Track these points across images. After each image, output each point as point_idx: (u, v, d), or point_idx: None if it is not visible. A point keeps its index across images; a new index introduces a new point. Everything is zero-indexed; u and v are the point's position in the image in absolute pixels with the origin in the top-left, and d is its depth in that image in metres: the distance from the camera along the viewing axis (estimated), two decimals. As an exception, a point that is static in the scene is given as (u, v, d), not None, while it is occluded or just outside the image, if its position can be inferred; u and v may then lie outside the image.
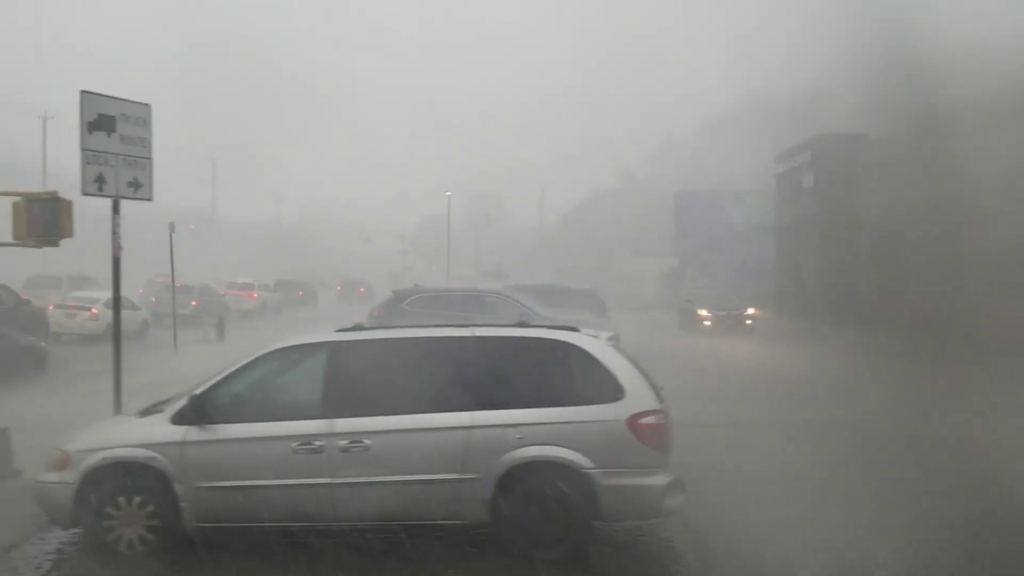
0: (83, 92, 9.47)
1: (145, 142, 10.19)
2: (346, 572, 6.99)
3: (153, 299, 38.99)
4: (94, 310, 29.21)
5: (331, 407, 7.14)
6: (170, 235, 26.73)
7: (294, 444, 7.03)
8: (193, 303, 39.66)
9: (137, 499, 7.10)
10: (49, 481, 7.32)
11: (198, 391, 7.33)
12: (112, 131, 9.75)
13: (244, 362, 7.47)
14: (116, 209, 9.93)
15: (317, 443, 7.01)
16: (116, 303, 10.46)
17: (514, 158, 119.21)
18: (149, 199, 10.30)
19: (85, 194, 9.64)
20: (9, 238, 10.17)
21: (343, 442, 7.00)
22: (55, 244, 10.13)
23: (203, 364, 22.80)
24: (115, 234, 10.00)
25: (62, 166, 63.05)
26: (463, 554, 7.10)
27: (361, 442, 6.99)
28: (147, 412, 7.75)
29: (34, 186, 54.68)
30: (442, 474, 6.97)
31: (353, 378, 7.28)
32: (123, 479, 7.12)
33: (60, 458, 7.31)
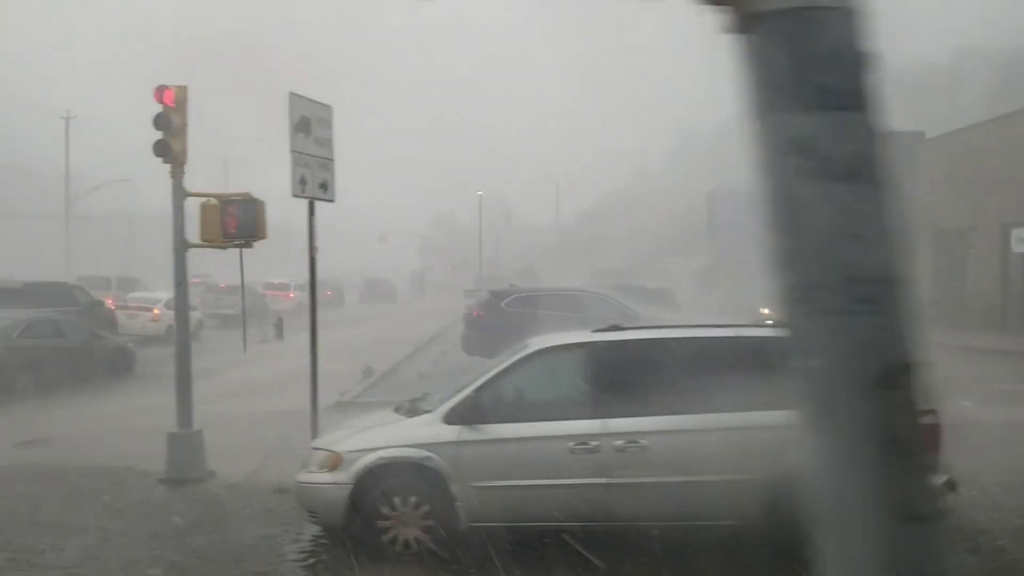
0: (291, 94, 9.48)
1: (330, 143, 10.21)
2: (618, 572, 7.05)
3: (198, 300, 38.92)
4: (155, 311, 29.29)
5: (604, 407, 7.18)
6: (239, 235, 26.67)
7: (571, 444, 7.08)
8: (238, 303, 39.69)
9: (412, 499, 7.14)
10: (320, 482, 7.35)
11: (470, 391, 7.37)
12: (308, 133, 9.78)
13: (509, 362, 7.52)
14: (312, 211, 9.94)
15: (593, 443, 7.06)
16: (313, 301, 10.44)
17: (524, 156, 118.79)
18: (332, 200, 10.33)
19: (295, 196, 9.68)
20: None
21: (619, 442, 7.05)
22: (249, 246, 10.15)
23: (286, 364, 22.82)
24: (311, 235, 10.02)
25: (86, 167, 63.07)
26: (735, 554, 7.14)
27: (637, 442, 7.05)
28: (411, 411, 7.78)
29: (58, 186, 54.37)
30: (718, 475, 7.01)
31: (623, 378, 7.32)
32: (399, 479, 7.17)
33: (330, 459, 7.35)
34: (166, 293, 33.51)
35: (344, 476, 7.23)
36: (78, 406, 15.68)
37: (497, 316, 18.82)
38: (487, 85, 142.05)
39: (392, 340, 30.55)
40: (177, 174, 9.91)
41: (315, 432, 10.03)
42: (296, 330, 34.21)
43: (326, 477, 7.33)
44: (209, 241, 10.14)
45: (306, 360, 22.57)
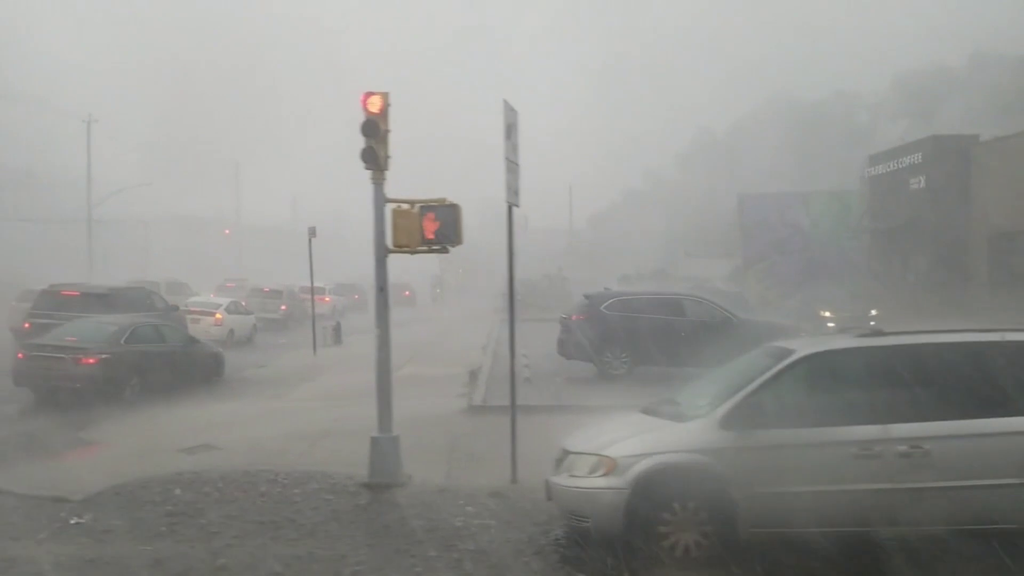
0: (505, 102, 9.52)
1: (517, 149, 10.24)
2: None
3: (243, 303, 38.93)
4: (218, 315, 29.30)
5: (883, 412, 7.24)
6: (309, 240, 26.66)
7: (853, 450, 7.12)
8: (283, 307, 39.73)
9: (692, 504, 7.19)
10: (592, 487, 7.38)
11: (744, 396, 7.41)
12: (509, 139, 9.83)
13: (778, 368, 7.54)
14: (511, 214, 9.98)
15: (876, 448, 7.11)
16: (511, 305, 10.43)
17: (533, 159, 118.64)
18: (519, 205, 10.35)
19: (508, 202, 9.72)
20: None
21: (902, 447, 7.11)
22: (445, 251, 10.17)
23: (369, 368, 22.69)
24: (511, 240, 10.05)
25: (104, 171, 62.89)
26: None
27: (920, 447, 7.10)
28: (676, 416, 7.81)
29: (79, 190, 54.16)
30: (1006, 479, 7.06)
31: (900, 383, 7.38)
32: (679, 484, 7.21)
33: (604, 463, 7.39)
34: (226, 297, 33.65)
35: (620, 481, 7.27)
36: (202, 409, 15.70)
37: (596, 320, 18.87)
38: (493, 87, 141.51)
39: (453, 344, 30.55)
40: (379, 180, 9.94)
41: (514, 435, 10.05)
42: (344, 333, 33.96)
43: (599, 482, 7.36)
44: (403, 247, 10.16)
45: (364, 359, 22.43)
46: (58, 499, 9.48)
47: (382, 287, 10.05)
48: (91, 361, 16.24)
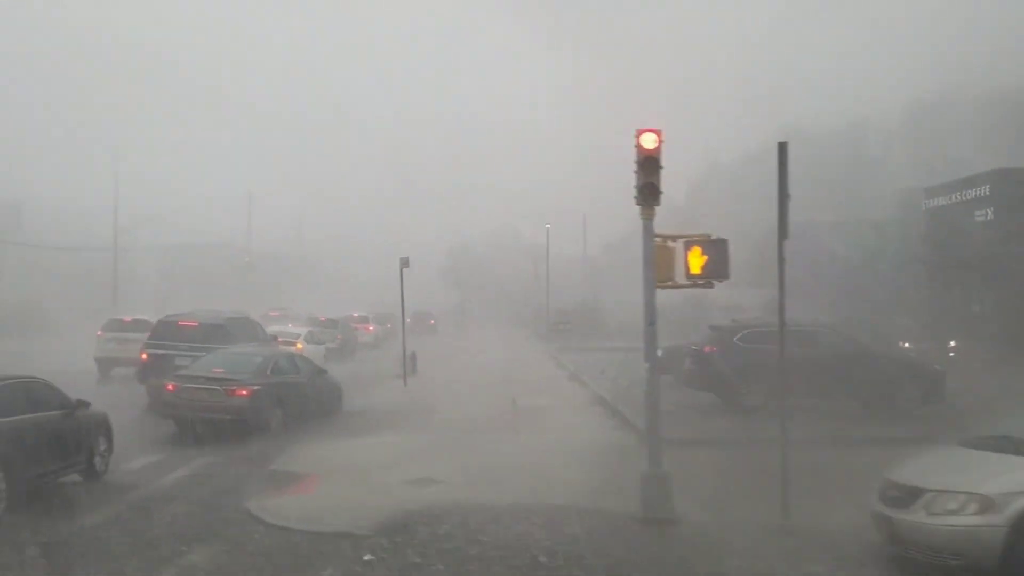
0: (780, 144, 9.64)
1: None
2: None
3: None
4: (299, 344, 29.06)
5: None
6: (401, 270, 26.62)
7: None
8: (339, 337, 39.55)
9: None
10: (968, 525, 7.40)
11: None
12: (781, 175, 9.90)
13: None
14: (782, 248, 10.05)
15: None
16: (781, 330, 10.43)
17: (546, 188, 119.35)
18: (788, 237, 10.38)
19: (780, 237, 9.81)
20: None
21: None
22: (711, 286, 10.24)
23: (473, 398, 22.48)
24: (781, 263, 10.12)
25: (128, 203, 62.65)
26: None
27: None
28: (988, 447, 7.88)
29: (106, 223, 53.58)
30: None
31: None
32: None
33: (978, 501, 7.43)
34: (304, 327, 33.53)
35: (998, 518, 7.31)
36: (364, 440, 15.59)
37: (730, 352, 18.87)
38: (506, 117, 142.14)
39: (529, 374, 30.45)
40: (650, 216, 10.01)
41: (786, 472, 9.99)
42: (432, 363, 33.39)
43: (973, 520, 7.39)
44: (666, 281, 10.21)
45: (488, 394, 22.33)
46: (343, 535, 9.38)
47: (652, 321, 10.06)
48: (243, 393, 16.09)
